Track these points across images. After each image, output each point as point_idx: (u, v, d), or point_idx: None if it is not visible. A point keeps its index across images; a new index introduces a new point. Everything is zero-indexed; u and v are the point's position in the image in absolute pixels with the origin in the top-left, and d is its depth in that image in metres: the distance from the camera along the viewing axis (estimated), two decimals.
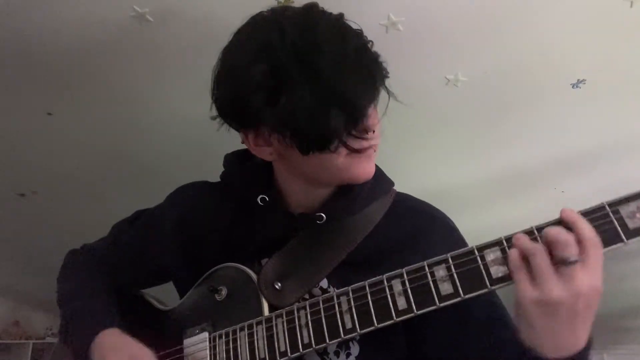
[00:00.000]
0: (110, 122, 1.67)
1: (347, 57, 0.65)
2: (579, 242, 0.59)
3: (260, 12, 0.74)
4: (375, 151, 0.76)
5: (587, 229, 0.59)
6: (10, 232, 2.71)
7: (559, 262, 0.59)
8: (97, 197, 2.20)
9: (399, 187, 0.92)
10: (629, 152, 1.72)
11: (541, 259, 0.59)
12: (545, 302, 0.59)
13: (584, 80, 1.42)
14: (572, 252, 0.58)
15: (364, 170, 0.75)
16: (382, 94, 0.74)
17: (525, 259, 0.61)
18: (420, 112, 1.53)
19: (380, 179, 0.88)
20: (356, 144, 0.70)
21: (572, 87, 1.44)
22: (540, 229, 0.62)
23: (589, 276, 0.58)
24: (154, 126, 1.67)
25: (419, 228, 0.81)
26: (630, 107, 1.53)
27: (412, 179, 1.91)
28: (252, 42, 0.69)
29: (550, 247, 0.59)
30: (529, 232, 0.63)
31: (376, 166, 0.88)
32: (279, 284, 0.79)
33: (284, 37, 0.65)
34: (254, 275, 0.80)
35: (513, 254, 0.61)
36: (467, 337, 0.74)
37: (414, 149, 1.77)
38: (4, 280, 3.75)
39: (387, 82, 0.72)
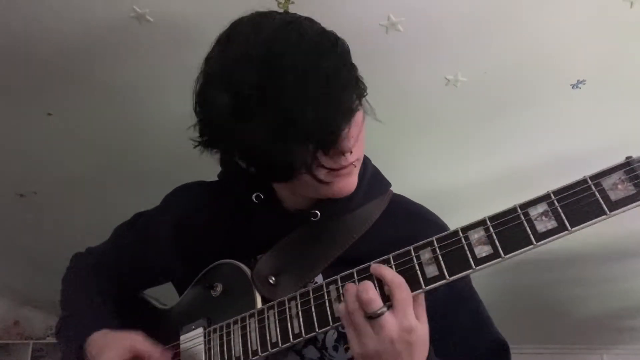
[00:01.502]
0: (110, 122, 1.67)
1: (313, 88, 0.65)
2: (387, 286, 0.64)
3: (240, 20, 0.73)
4: (355, 166, 0.76)
5: (389, 275, 0.64)
6: (10, 232, 2.71)
7: (369, 317, 0.63)
8: (97, 197, 2.20)
9: (399, 186, 0.92)
10: (628, 152, 1.72)
11: (357, 317, 0.64)
12: (367, 355, 0.64)
13: (584, 80, 1.42)
14: (375, 306, 0.63)
15: (344, 187, 0.76)
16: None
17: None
18: (420, 112, 1.54)
19: (378, 180, 0.89)
20: (328, 169, 0.70)
21: (572, 87, 1.44)
22: (361, 278, 0.68)
23: (399, 319, 0.63)
24: (154, 126, 1.67)
25: (414, 230, 0.82)
26: (630, 107, 1.53)
27: (412, 179, 1.91)
28: (221, 65, 0.70)
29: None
30: (350, 275, 0.68)
31: (374, 167, 0.90)
32: (273, 279, 0.80)
33: (249, 66, 0.65)
34: (247, 270, 0.81)
35: (341, 309, 0.66)
36: (452, 339, 0.77)
37: (413, 149, 1.77)
38: (4, 280, 3.74)
39: (366, 97, 0.72)
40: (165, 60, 1.37)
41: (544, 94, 1.48)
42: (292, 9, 1.16)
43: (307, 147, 0.66)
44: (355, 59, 0.72)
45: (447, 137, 1.70)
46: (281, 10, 1.13)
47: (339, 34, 0.72)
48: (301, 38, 0.67)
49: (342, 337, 0.80)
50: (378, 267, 0.66)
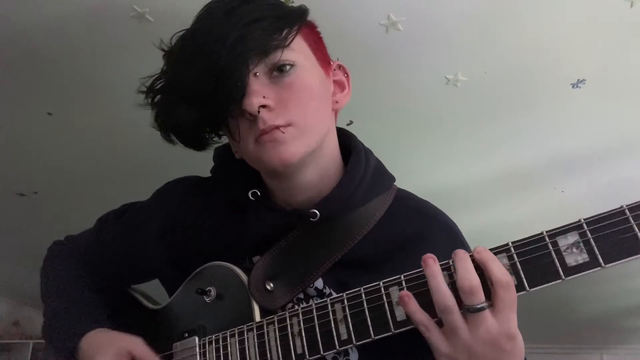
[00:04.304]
0: (111, 122, 1.66)
1: (197, 53, 0.65)
2: (491, 284, 0.56)
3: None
4: (284, 132, 0.68)
5: (497, 271, 0.56)
6: (10, 232, 2.70)
7: (466, 309, 0.56)
8: (98, 197, 2.19)
9: (399, 186, 0.92)
10: (629, 152, 1.72)
11: (457, 317, 0.57)
12: (452, 358, 0.57)
13: (584, 80, 1.42)
14: (478, 300, 0.56)
15: (274, 156, 0.70)
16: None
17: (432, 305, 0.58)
18: (420, 111, 1.53)
19: (381, 174, 0.84)
20: (244, 130, 0.69)
21: (572, 87, 1.44)
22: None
23: (499, 321, 0.56)
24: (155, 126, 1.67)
25: (420, 229, 0.78)
26: (630, 107, 1.53)
27: (412, 179, 1.90)
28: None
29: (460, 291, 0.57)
30: (446, 268, 0.59)
31: (377, 160, 0.84)
32: (271, 285, 0.75)
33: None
34: (244, 277, 0.76)
35: (421, 317, 0.59)
36: None
37: (413, 149, 1.77)
38: (4, 280, 3.74)
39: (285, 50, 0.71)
40: None
41: (544, 93, 1.48)
42: None
43: (196, 111, 0.65)
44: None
45: (447, 137, 1.70)
46: None
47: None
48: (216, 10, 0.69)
49: (342, 350, 0.77)
50: (486, 255, 0.57)
